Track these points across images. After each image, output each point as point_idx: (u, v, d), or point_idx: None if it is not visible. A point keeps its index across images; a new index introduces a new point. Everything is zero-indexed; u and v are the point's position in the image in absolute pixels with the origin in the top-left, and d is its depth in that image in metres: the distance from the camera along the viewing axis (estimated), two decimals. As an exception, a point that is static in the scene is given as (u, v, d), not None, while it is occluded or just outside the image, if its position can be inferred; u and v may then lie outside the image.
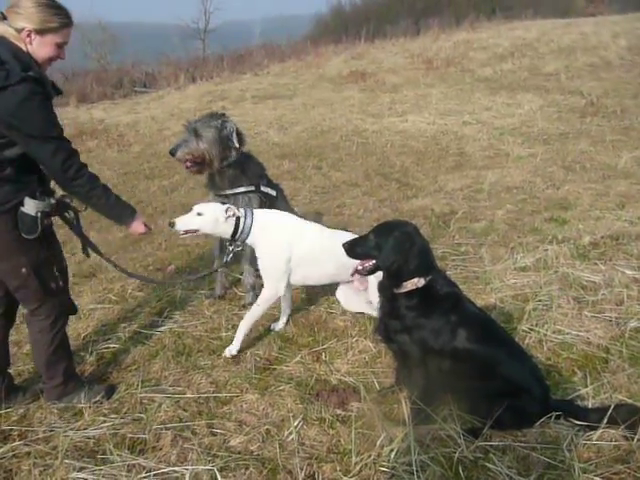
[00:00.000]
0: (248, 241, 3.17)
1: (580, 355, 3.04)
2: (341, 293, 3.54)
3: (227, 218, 3.07)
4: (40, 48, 2.35)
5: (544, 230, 4.72)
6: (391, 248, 2.45)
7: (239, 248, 3.28)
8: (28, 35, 2.31)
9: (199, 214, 3.05)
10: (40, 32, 2.32)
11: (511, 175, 6.28)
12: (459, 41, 17.96)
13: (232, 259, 3.38)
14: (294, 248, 3.17)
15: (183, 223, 3.03)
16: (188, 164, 3.61)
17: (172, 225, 3.02)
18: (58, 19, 2.36)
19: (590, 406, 2.63)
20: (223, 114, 3.69)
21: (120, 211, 2.70)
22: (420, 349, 2.49)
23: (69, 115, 12.36)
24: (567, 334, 3.20)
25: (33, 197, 2.45)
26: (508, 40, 17.10)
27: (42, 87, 2.32)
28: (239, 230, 3.10)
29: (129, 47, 22.55)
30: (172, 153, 3.62)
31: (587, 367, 2.93)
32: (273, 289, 3.21)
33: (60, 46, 2.42)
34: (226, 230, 3.10)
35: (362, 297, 3.46)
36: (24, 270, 2.50)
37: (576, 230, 4.63)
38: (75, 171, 2.42)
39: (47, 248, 2.62)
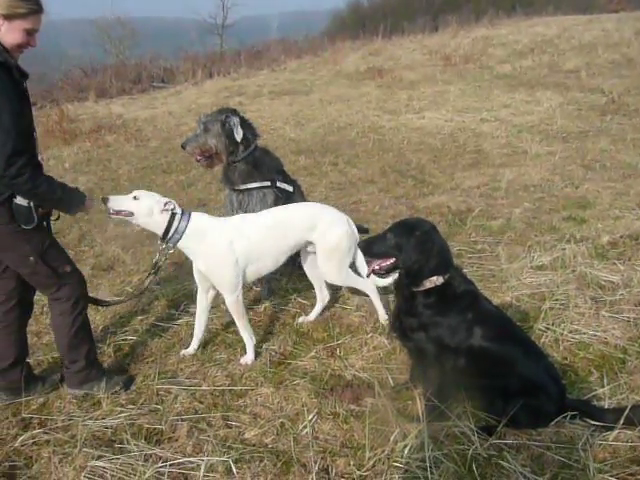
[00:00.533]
0: (180, 245, 2.98)
1: (597, 355, 3.01)
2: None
3: (162, 211, 2.90)
4: (8, 34, 2.33)
5: (562, 229, 4.67)
6: (413, 248, 2.44)
7: (170, 251, 3.04)
8: None
9: (135, 198, 2.87)
10: (8, 17, 2.29)
11: (529, 173, 6.22)
12: (478, 37, 17.83)
13: (164, 263, 3.18)
14: (237, 249, 3.01)
15: (116, 202, 2.84)
16: (198, 157, 3.68)
17: (105, 201, 2.81)
18: (26, 5, 2.32)
19: (606, 406, 2.61)
20: (233, 110, 3.72)
21: (68, 203, 2.60)
22: (436, 347, 2.49)
23: (88, 110, 12.51)
24: (584, 334, 3.17)
25: None
26: (528, 36, 16.93)
27: (6, 73, 2.29)
28: (172, 230, 2.91)
29: (147, 42, 22.70)
30: (183, 147, 3.72)
31: (604, 367, 2.90)
32: (234, 296, 3.08)
33: (30, 33, 2.38)
34: (159, 225, 2.91)
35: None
36: (31, 259, 2.55)
37: (595, 229, 4.58)
38: (18, 168, 2.30)
39: (50, 235, 2.67)
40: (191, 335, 3.43)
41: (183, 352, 3.27)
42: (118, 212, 2.86)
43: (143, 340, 3.46)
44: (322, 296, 3.58)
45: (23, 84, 2.44)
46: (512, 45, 15.99)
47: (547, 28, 18.36)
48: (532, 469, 2.29)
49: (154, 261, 3.14)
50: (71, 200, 2.61)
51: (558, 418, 2.45)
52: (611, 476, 2.22)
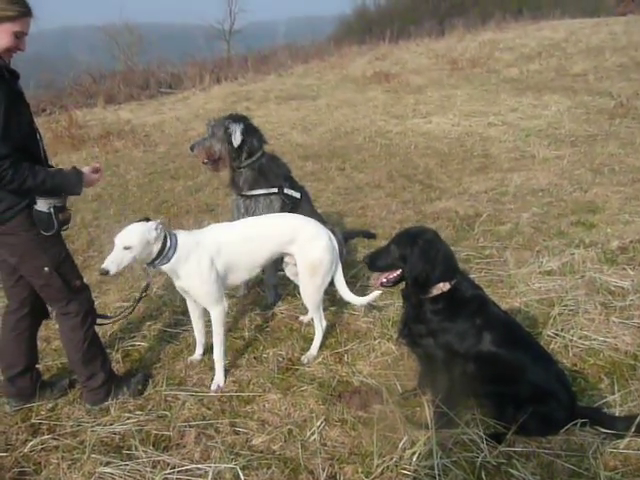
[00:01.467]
0: (166, 267, 2.82)
1: (607, 361, 2.99)
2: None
3: (156, 238, 2.72)
4: None
5: (571, 234, 4.65)
6: (418, 258, 2.43)
7: (154, 269, 2.87)
8: None
9: (126, 248, 2.64)
10: None
11: (537, 177, 6.20)
12: (485, 41, 17.81)
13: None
14: (216, 264, 2.92)
15: (116, 264, 2.62)
16: (204, 160, 3.72)
17: (106, 273, 2.60)
18: (15, 8, 2.32)
19: (617, 414, 2.59)
20: (242, 116, 3.73)
21: (65, 187, 2.52)
22: (445, 352, 2.48)
23: (97, 116, 12.60)
24: (594, 340, 3.15)
25: (43, 194, 2.46)
26: (535, 40, 16.90)
27: None
28: (164, 251, 2.77)
29: (155, 48, 22.86)
30: (191, 149, 3.76)
31: (614, 374, 2.88)
32: (220, 308, 3.00)
33: (18, 36, 2.37)
34: (154, 250, 2.75)
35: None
36: (46, 269, 2.55)
37: (604, 234, 4.56)
38: (1, 171, 2.27)
39: (65, 247, 2.68)
40: (199, 341, 3.44)
41: (190, 359, 3.28)
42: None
43: (151, 346, 3.47)
44: None
45: (16, 84, 2.44)
46: (519, 49, 15.96)
47: (554, 32, 18.33)
48: (542, 477, 2.27)
49: (144, 285, 3.02)
50: (67, 182, 2.52)
51: (568, 426, 2.44)
52: (622, 484, 2.20)
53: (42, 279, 2.59)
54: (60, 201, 2.55)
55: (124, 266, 2.67)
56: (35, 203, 2.46)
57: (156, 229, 2.72)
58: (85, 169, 2.64)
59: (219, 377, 3.04)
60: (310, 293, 3.19)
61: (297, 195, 3.76)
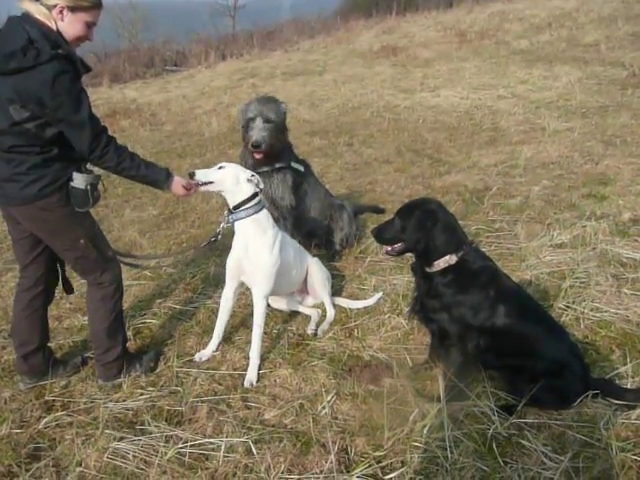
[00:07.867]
0: (241, 224, 2.91)
1: (619, 333, 2.97)
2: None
3: (248, 180, 2.87)
4: (70, 26, 2.39)
5: (582, 206, 4.59)
6: (413, 228, 2.47)
7: (228, 224, 2.96)
8: (60, 12, 2.34)
9: (221, 168, 2.88)
10: (72, 9, 2.35)
11: (547, 150, 6.11)
12: (494, 12, 17.41)
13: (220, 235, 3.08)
14: (281, 254, 3.00)
15: (203, 174, 2.82)
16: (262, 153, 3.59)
17: (192, 175, 2.80)
18: None
19: (629, 385, 2.58)
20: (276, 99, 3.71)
21: (154, 177, 2.66)
22: (460, 327, 2.47)
23: (103, 95, 12.53)
24: (605, 312, 3.13)
25: (80, 171, 2.52)
26: (545, 10, 16.48)
27: (71, 65, 2.36)
28: (246, 205, 2.87)
29: (159, 25, 22.56)
30: (257, 146, 3.56)
31: (626, 345, 2.86)
32: (265, 301, 3.01)
33: (89, 26, 2.45)
34: (243, 193, 2.87)
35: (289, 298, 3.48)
36: (82, 241, 2.61)
37: (616, 206, 4.50)
38: (101, 150, 2.44)
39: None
40: (209, 317, 3.45)
41: (199, 354, 3.09)
42: (205, 183, 2.82)
43: (162, 323, 3.49)
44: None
45: (81, 77, 2.49)
46: (529, 19, 15.61)
47: (565, 1, 17.84)
48: (553, 448, 2.28)
49: (217, 230, 3.09)
50: (154, 176, 2.66)
51: (580, 398, 2.43)
52: (634, 455, 2.20)
53: (78, 251, 2.63)
54: (95, 178, 2.59)
55: (208, 180, 2.80)
56: (72, 180, 2.49)
57: (252, 176, 2.89)
58: (178, 178, 2.74)
59: (253, 374, 2.88)
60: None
61: (301, 168, 3.73)
